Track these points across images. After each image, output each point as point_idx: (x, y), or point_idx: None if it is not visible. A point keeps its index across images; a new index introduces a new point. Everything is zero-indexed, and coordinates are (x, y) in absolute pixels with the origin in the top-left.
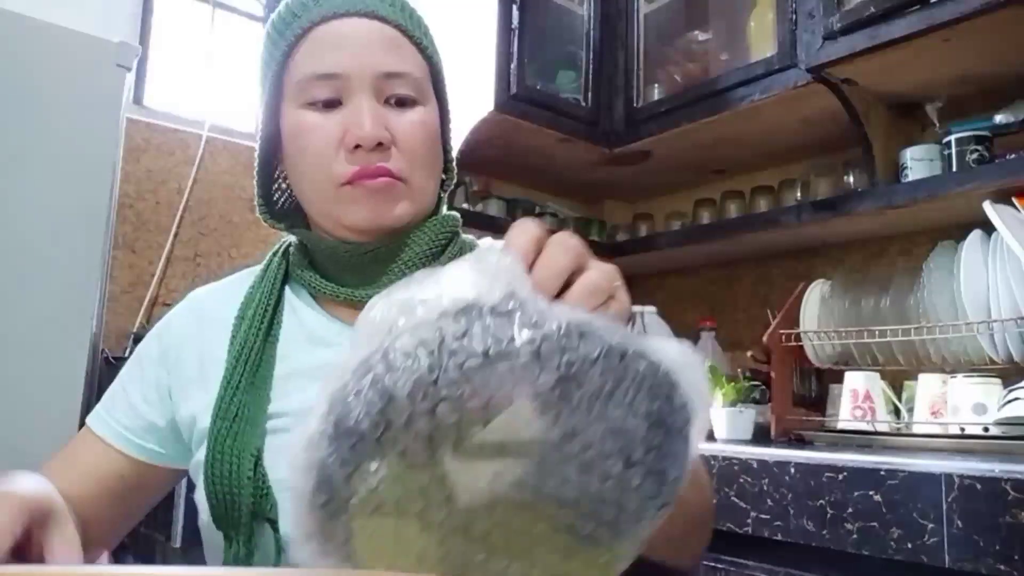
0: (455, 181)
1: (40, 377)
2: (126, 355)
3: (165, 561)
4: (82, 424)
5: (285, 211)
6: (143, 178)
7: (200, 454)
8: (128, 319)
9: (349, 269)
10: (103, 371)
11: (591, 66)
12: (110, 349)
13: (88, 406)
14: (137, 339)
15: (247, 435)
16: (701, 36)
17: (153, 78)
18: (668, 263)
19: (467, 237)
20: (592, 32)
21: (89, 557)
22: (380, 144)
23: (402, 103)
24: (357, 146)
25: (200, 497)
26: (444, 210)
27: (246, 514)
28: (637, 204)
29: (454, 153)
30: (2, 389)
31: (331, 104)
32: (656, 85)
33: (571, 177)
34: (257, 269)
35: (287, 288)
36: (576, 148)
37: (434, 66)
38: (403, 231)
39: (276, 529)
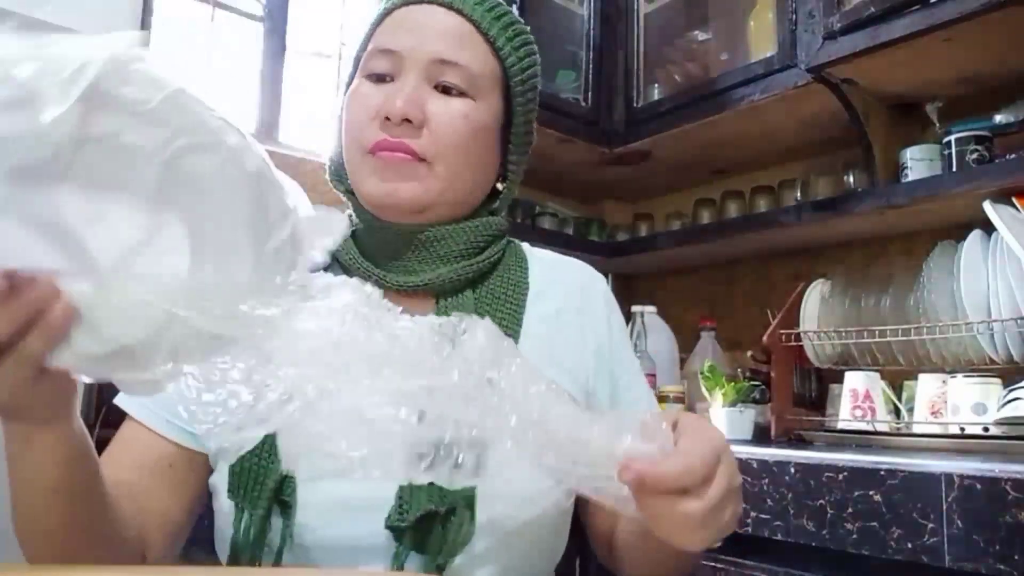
0: (514, 192)
1: None
2: None
3: None
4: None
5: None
6: None
7: None
8: None
9: (383, 248)
10: None
11: (591, 66)
12: None
13: (88, 407)
14: None
15: None
16: (701, 36)
17: None
18: (668, 263)
19: (523, 244)
20: (592, 32)
21: (163, 549)
22: (409, 121)
23: (448, 92)
24: (388, 118)
25: (218, 478)
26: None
27: (268, 490)
28: (637, 204)
29: (520, 167)
30: None
31: (384, 79)
32: (656, 85)
33: (571, 177)
34: None
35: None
36: (576, 148)
37: (507, 68)
38: (439, 222)
39: (289, 516)
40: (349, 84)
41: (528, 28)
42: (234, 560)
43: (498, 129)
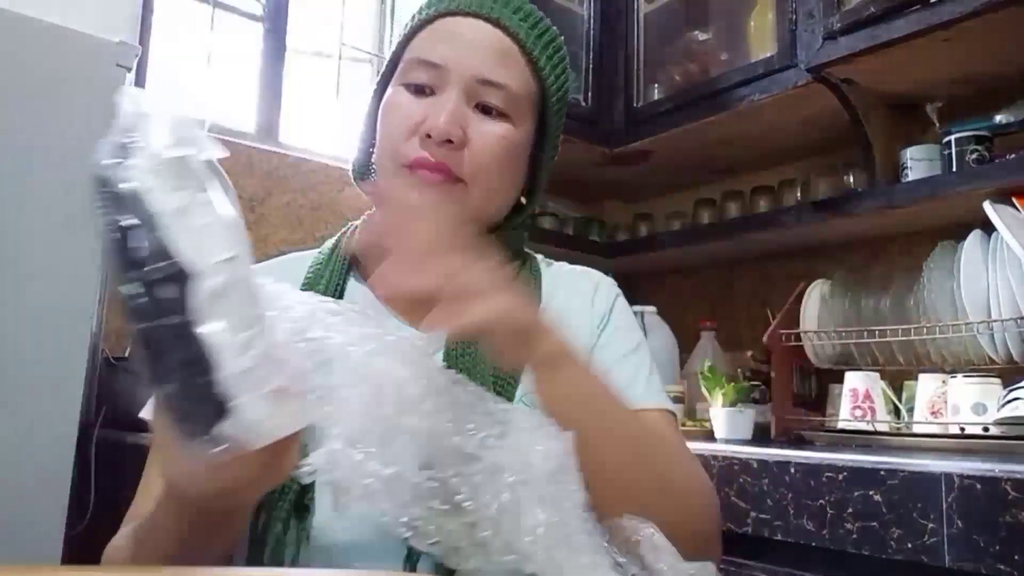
0: (534, 211)
1: (40, 377)
2: (126, 355)
3: None
4: (82, 426)
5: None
6: None
7: None
8: None
9: None
10: (103, 371)
11: (591, 66)
12: (110, 349)
13: (88, 407)
14: None
15: None
16: (701, 36)
17: (153, 78)
18: (668, 263)
19: (537, 256)
20: (592, 32)
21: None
22: (451, 141)
23: (488, 112)
24: (429, 135)
25: None
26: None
27: (292, 492)
28: (637, 204)
29: (544, 182)
30: (1, 390)
31: (424, 91)
32: (656, 85)
33: (571, 177)
34: (307, 255)
35: (351, 280)
36: (576, 148)
37: (546, 88)
38: None
39: (306, 518)
40: (382, 88)
41: (564, 43)
42: (252, 560)
43: (530, 148)
